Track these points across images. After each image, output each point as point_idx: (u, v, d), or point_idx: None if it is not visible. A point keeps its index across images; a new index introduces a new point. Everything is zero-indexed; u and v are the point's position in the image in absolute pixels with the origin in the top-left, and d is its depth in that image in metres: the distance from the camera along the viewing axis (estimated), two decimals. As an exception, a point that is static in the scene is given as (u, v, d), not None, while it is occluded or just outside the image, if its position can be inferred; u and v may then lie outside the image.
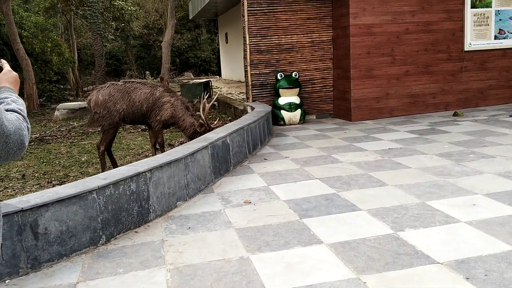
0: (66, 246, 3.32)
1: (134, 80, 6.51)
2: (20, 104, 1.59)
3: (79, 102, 14.34)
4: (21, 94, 17.73)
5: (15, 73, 1.71)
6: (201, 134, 6.21)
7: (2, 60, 1.76)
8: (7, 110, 1.52)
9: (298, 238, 3.45)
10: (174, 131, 9.88)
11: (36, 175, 6.69)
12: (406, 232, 3.44)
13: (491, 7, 9.27)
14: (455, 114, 8.69)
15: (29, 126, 1.56)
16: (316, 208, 4.09)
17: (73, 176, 6.46)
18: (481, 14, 9.22)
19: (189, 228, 3.81)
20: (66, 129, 11.13)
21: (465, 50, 9.23)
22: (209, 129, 6.31)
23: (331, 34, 9.36)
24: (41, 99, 18.96)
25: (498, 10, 9.32)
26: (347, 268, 2.93)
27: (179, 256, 3.27)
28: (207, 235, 3.63)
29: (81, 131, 10.82)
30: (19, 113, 1.53)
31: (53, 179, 6.37)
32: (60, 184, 5.91)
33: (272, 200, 4.39)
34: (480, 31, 9.26)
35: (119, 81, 6.45)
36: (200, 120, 6.36)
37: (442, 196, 4.21)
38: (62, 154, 8.13)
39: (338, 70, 9.27)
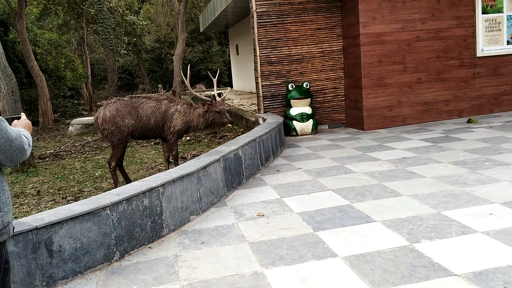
0: (81, 263, 3.33)
1: (139, 95, 6.53)
2: (28, 136, 2.11)
3: (92, 117, 14.47)
4: (35, 110, 18.02)
5: (28, 121, 2.28)
6: (210, 113, 6.15)
7: (22, 113, 2.41)
8: None
9: (312, 251, 3.42)
10: (187, 144, 9.91)
11: (51, 191, 6.74)
12: (422, 243, 3.39)
13: (502, 12, 9.20)
14: (469, 121, 8.60)
15: (31, 144, 2.09)
16: (330, 220, 4.06)
17: (87, 191, 6.50)
18: (492, 19, 9.14)
19: (203, 242, 3.80)
20: (80, 144, 11.24)
21: (477, 56, 9.15)
22: (212, 103, 6.17)
23: (342, 43, 9.35)
24: (55, 115, 19.23)
25: (510, 15, 9.24)
26: (362, 282, 2.89)
27: (192, 272, 3.26)
28: (220, 250, 3.61)
29: (95, 145, 10.92)
30: (25, 137, 2.06)
31: (67, 194, 6.41)
32: (74, 200, 5.96)
33: (285, 213, 4.36)
34: (492, 36, 9.18)
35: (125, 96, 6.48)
36: (199, 104, 6.26)
37: (458, 205, 4.15)
38: (76, 170, 8.20)
39: (349, 79, 9.25)
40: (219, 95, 14.41)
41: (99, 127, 6.07)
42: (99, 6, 16.73)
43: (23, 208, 5.89)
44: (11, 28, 18.81)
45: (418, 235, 3.55)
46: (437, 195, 4.49)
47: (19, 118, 2.27)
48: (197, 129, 6.42)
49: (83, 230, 3.35)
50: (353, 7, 8.69)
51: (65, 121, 18.16)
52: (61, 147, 11.11)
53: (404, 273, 2.96)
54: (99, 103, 22.54)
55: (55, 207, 5.53)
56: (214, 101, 6.21)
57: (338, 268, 3.11)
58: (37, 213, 4.59)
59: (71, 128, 13.92)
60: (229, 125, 6.43)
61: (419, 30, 8.79)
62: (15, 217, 5.37)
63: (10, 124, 2.16)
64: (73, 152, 10.33)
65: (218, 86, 29.30)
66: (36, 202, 6.13)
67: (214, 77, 6.80)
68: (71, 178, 7.50)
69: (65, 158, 9.58)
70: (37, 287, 3.10)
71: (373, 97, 8.72)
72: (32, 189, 6.91)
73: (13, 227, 2.12)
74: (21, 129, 2.11)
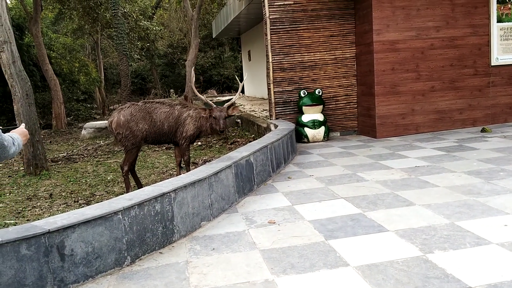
0: (92, 267, 3.34)
1: (153, 100, 6.55)
2: (16, 138, 2.36)
3: (105, 121, 14.58)
4: (49, 113, 18.20)
5: (25, 130, 2.58)
6: (210, 119, 6.09)
7: (23, 123, 2.74)
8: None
9: (324, 260, 3.39)
10: (198, 149, 9.93)
11: (63, 194, 6.79)
12: (435, 254, 3.34)
13: (518, 21, 9.11)
14: (483, 130, 8.51)
15: (17, 144, 2.34)
16: (342, 228, 4.03)
17: (99, 195, 6.53)
18: (508, 28, 9.06)
19: (213, 249, 3.79)
20: (93, 148, 11.32)
21: (492, 64, 9.07)
22: (212, 109, 6.09)
23: (355, 50, 9.33)
24: (68, 118, 19.40)
25: (526, 24, 9.14)
26: (375, 292, 2.86)
27: (203, 278, 3.24)
28: (231, 256, 3.60)
29: (107, 149, 10.98)
30: (10, 137, 2.30)
31: (79, 198, 6.45)
32: (86, 203, 5.99)
33: (296, 220, 4.34)
34: (507, 45, 9.09)
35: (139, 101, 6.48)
36: (200, 109, 6.21)
37: (472, 216, 4.10)
38: (88, 173, 8.25)
39: (362, 87, 9.21)
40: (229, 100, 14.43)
41: (113, 131, 6.09)
42: (113, 11, 16.89)
43: (36, 211, 5.93)
44: (26, 32, 19.05)
45: (431, 245, 3.50)
46: (451, 205, 4.44)
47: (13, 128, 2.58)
48: (208, 134, 6.42)
49: (95, 234, 3.36)
50: (366, 15, 8.67)
51: (78, 124, 18.31)
52: (74, 151, 11.19)
53: (417, 284, 2.92)
54: (111, 107, 22.74)
55: (67, 210, 5.57)
56: (215, 106, 6.15)
57: (350, 278, 3.08)
58: (49, 216, 4.63)
59: (83, 132, 14.02)
60: (220, 133, 6.22)
61: (433, 38, 8.74)
62: (27, 220, 5.41)
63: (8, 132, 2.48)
64: (86, 155, 10.40)
65: (229, 91, 29.40)
66: (48, 205, 6.17)
67: (241, 81, 6.74)
68: (83, 181, 7.55)
69: (77, 162, 9.65)
70: (49, 291, 3.11)
71: (386, 104, 8.67)
72: (45, 192, 6.96)
73: None
74: (12, 133, 2.39)
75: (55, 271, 3.14)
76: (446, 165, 6.09)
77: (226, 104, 6.31)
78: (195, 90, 6.69)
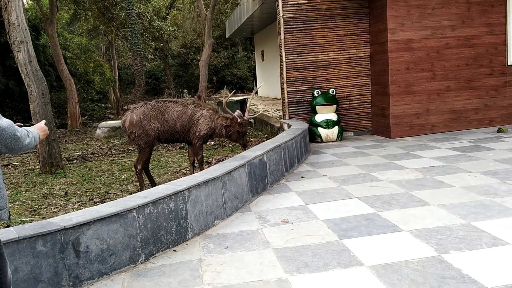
0: (107, 264, 3.36)
1: (166, 99, 6.58)
2: (32, 131, 2.31)
3: (119, 121, 14.68)
4: (64, 112, 18.40)
5: (44, 126, 2.51)
6: (231, 128, 6.21)
7: (44, 120, 2.67)
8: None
9: (338, 259, 3.37)
10: (211, 148, 9.96)
11: (78, 192, 6.85)
12: (451, 254, 3.31)
13: (535, 20, 8.97)
14: (499, 130, 8.40)
15: (32, 137, 2.27)
16: (356, 228, 4.00)
17: (113, 193, 6.58)
18: (525, 27, 8.93)
19: (227, 247, 3.79)
20: (107, 147, 11.40)
21: (508, 64, 8.94)
22: (235, 121, 6.21)
23: (369, 50, 9.27)
24: (83, 118, 19.58)
25: (544, 23, 9.00)
26: (389, 292, 2.83)
27: (217, 276, 3.25)
28: (244, 255, 3.60)
29: (122, 149, 11.06)
30: (26, 129, 2.27)
31: (94, 196, 6.50)
32: (101, 202, 6.04)
33: (310, 220, 4.32)
34: (524, 44, 8.96)
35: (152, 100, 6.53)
36: (221, 117, 6.26)
37: (488, 216, 4.04)
38: (103, 172, 8.31)
39: (376, 86, 9.15)
40: (244, 101, 14.45)
41: (126, 130, 6.13)
42: (128, 11, 17.02)
43: (51, 208, 5.99)
44: (42, 33, 19.28)
45: (447, 245, 3.47)
46: (467, 205, 4.39)
47: (33, 125, 2.53)
48: (220, 137, 6.45)
49: (110, 231, 3.39)
50: (381, 14, 8.61)
51: (93, 124, 18.48)
52: (89, 150, 11.29)
53: (432, 284, 2.89)
54: (125, 107, 22.89)
55: (82, 208, 5.62)
56: (239, 119, 6.21)
57: (364, 277, 3.06)
58: (65, 213, 4.67)
59: (98, 131, 14.14)
60: (243, 147, 6.50)
61: (449, 37, 8.65)
62: (43, 217, 5.47)
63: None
64: (100, 154, 10.49)
65: (242, 91, 29.42)
66: (63, 203, 6.23)
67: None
68: (98, 180, 7.61)
69: (92, 161, 9.73)
70: (64, 287, 3.14)
71: (401, 104, 8.60)
72: (60, 190, 7.03)
73: (9, 214, 2.30)
74: (29, 128, 2.36)
75: (70, 267, 3.17)
76: (461, 165, 6.03)
77: (247, 116, 6.35)
78: (226, 108, 6.55)
